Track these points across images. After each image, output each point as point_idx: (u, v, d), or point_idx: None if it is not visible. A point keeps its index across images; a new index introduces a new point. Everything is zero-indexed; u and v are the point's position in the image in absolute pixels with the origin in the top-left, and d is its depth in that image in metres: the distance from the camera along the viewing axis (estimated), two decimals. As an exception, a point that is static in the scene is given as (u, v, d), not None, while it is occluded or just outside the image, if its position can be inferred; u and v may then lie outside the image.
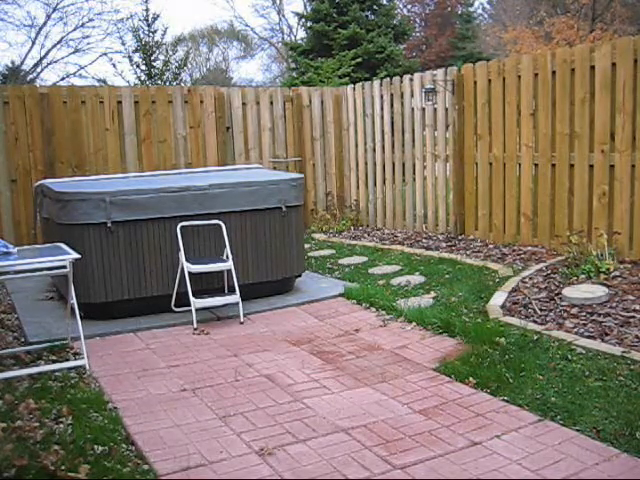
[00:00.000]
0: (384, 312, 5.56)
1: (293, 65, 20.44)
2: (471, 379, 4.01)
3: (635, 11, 34.22)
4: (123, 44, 38.04)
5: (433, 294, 5.89)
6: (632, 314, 4.78)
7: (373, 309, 5.71)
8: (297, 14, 22.45)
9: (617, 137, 6.19)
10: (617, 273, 5.62)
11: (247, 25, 45.22)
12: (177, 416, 3.70)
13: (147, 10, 17.14)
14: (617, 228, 6.20)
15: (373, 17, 19.23)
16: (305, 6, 26.13)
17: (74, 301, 4.58)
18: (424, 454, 3.18)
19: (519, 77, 7.14)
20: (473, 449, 3.21)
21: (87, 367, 4.43)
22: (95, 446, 3.26)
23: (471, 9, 32.83)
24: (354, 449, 3.26)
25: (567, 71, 6.60)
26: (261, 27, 57.34)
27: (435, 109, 8.34)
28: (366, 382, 4.13)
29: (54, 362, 4.54)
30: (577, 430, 3.33)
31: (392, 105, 9.04)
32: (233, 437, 3.43)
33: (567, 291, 5.35)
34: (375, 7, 19.36)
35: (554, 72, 6.75)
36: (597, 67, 6.32)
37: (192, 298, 5.41)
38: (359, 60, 16.80)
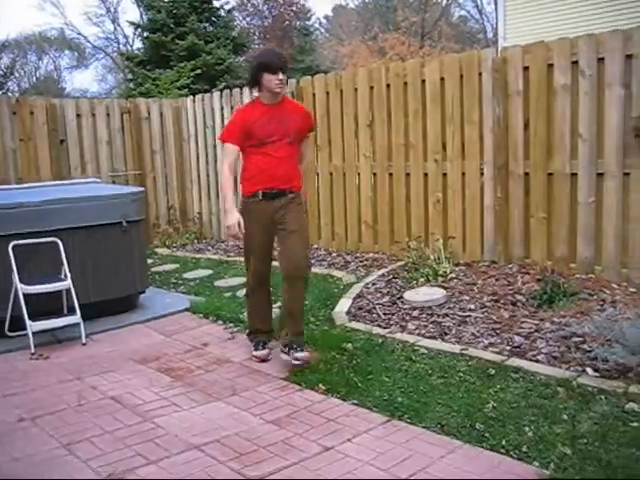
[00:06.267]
0: (232, 325, 5.53)
1: (130, 76, 19.91)
2: (321, 386, 4.08)
3: (459, 31, 36.71)
4: None
5: (279, 304, 5.91)
6: (468, 313, 5.07)
7: (220, 322, 5.66)
8: (133, 24, 21.78)
9: (448, 147, 6.53)
10: (453, 275, 5.94)
11: (79, 33, 43.36)
12: (15, 449, 3.46)
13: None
14: (451, 233, 6.53)
15: (212, 29, 19.17)
16: (141, 16, 25.57)
17: None
18: (279, 463, 3.18)
19: (356, 90, 7.36)
20: (326, 454, 3.26)
21: None
22: None
23: (308, 23, 33.63)
24: (208, 465, 3.20)
25: (400, 84, 6.89)
26: (95, 36, 55.33)
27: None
28: (217, 396, 4.08)
29: None
30: (423, 427, 3.47)
31: (233, 117, 9.01)
32: (79, 465, 3.26)
33: (408, 295, 5.57)
34: (213, 19, 19.32)
35: (388, 85, 7.02)
36: (427, 81, 6.64)
37: (28, 321, 5.09)
38: (198, 72, 16.66)
